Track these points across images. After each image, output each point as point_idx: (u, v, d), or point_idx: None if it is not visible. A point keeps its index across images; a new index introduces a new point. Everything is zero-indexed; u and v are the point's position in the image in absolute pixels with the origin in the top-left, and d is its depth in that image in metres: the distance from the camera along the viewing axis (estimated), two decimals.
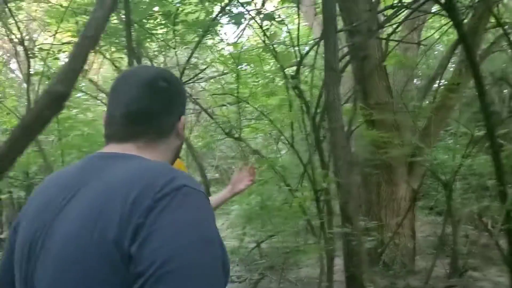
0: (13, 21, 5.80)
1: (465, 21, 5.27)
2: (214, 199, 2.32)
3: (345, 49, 5.15)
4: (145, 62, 6.69)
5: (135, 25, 5.45)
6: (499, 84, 6.09)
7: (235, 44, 6.28)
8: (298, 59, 5.03)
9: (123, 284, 0.91)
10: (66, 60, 3.38)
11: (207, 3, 5.56)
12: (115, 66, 7.54)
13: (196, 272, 0.89)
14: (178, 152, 1.29)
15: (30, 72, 6.04)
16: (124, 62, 7.09)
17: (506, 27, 5.25)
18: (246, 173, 2.24)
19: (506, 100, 6.63)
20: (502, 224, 4.01)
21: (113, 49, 6.61)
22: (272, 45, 5.33)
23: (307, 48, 5.69)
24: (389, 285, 5.43)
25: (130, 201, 0.94)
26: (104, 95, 8.13)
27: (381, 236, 5.54)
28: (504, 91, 6.85)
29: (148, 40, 6.31)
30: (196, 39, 5.99)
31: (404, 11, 5.04)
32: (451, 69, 6.30)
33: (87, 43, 3.05)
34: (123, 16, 5.02)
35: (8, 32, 6.06)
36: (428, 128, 5.63)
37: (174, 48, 6.22)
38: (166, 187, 0.97)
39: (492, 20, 5.25)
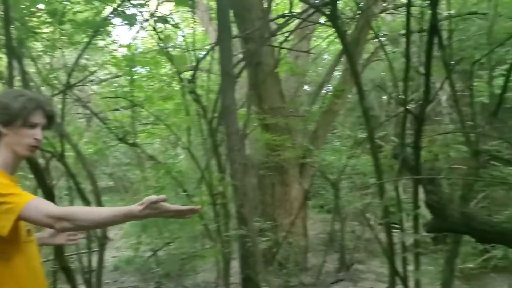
0: None
1: (348, 32, 5.69)
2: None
3: (241, 55, 5.27)
4: (27, 62, 6.22)
5: (16, 22, 5.05)
6: (378, 90, 6.65)
7: (128, 46, 6.10)
8: (194, 63, 5.04)
9: None
10: None
11: (97, 3, 5.33)
12: None
13: None
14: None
15: None
16: (3, 62, 6.52)
17: (382, 39, 5.76)
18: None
19: (384, 105, 7.25)
20: (381, 219, 4.37)
21: None
22: (167, 48, 5.28)
23: (203, 53, 5.72)
24: (283, 283, 5.63)
25: None
26: None
27: (275, 236, 5.73)
28: (383, 97, 7.49)
29: (32, 39, 5.88)
30: (86, 39, 5.71)
31: (294, 20, 5.29)
32: (337, 76, 6.74)
33: None
34: (1, 12, 4.63)
35: None
36: (317, 131, 5.96)
37: (61, 49, 5.87)
38: None
39: (372, 32, 5.72)
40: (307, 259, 6.35)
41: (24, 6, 5.01)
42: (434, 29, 3.27)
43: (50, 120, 1.75)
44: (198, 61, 5.05)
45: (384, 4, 5.76)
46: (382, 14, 5.95)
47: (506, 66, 4.32)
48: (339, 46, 6.80)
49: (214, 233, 5.09)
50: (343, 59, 6.37)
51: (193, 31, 5.25)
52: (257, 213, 6.05)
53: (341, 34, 3.98)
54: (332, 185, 5.80)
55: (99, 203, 5.57)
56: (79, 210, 1.63)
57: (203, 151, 5.57)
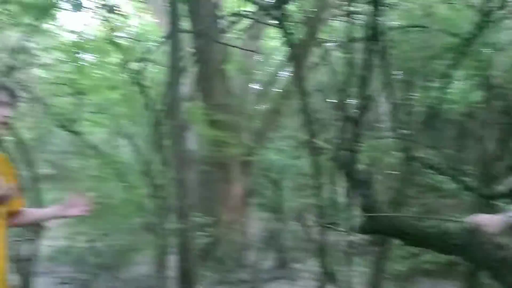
0: None
1: (297, 35, 5.80)
2: (38, 212, 2.19)
3: (190, 50, 5.27)
4: None
5: None
6: (323, 94, 6.83)
7: (76, 32, 5.94)
8: (143, 54, 4.99)
9: None
10: None
11: None
12: None
13: None
14: None
15: None
16: None
17: (329, 44, 5.94)
18: (83, 201, 2.10)
19: (328, 109, 7.41)
20: (317, 219, 4.51)
21: None
22: (116, 37, 5.19)
23: (154, 45, 5.67)
24: (220, 279, 5.68)
25: None
26: None
27: (215, 232, 5.77)
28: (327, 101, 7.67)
29: None
30: (32, 22, 5.51)
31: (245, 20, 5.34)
32: (285, 77, 6.86)
33: None
34: None
35: None
36: (262, 130, 6.05)
37: (5, 30, 5.64)
38: None
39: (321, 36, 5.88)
40: (245, 256, 6.43)
41: None
42: (374, 38, 3.43)
43: (14, 99, 1.88)
44: (147, 52, 5.00)
45: (333, 11, 5.91)
46: (331, 20, 6.12)
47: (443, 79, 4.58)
48: (287, 48, 6.92)
49: (153, 226, 5.07)
50: (290, 61, 6.48)
51: (144, 22, 5.19)
52: (198, 208, 6.06)
53: (288, 37, 4.08)
54: (273, 184, 5.91)
55: (38, 191, 5.43)
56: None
57: (147, 143, 5.51)
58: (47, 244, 7.18)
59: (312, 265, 6.41)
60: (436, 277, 5.80)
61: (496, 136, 5.20)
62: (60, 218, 2.14)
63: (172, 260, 4.76)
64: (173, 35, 3.88)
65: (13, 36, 6.82)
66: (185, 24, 4.96)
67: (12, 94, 1.86)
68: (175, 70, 3.93)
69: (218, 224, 5.98)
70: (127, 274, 6.05)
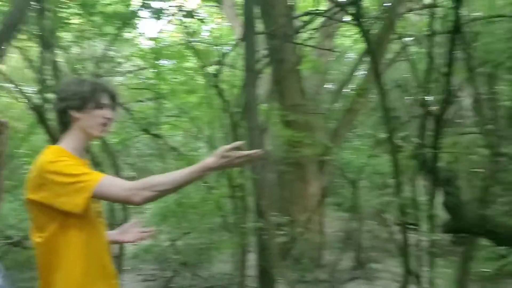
0: None
1: (373, 31, 5.68)
2: None
3: (265, 52, 5.32)
4: (58, 52, 6.41)
5: (48, 13, 5.23)
6: (401, 90, 6.63)
7: (155, 39, 6.23)
8: (219, 58, 5.12)
9: None
10: None
11: None
12: (24, 55, 7.11)
13: None
14: None
15: None
16: (33, 52, 6.72)
17: (407, 39, 5.75)
18: (140, 229, 2.10)
19: (406, 106, 7.19)
20: (397, 218, 4.39)
21: (23, 36, 6.25)
22: (193, 42, 5.37)
23: (228, 48, 5.80)
24: (298, 278, 5.69)
25: None
26: (12, 85, 7.63)
27: (292, 231, 5.79)
28: (406, 97, 7.45)
29: (62, 29, 6.05)
30: (114, 31, 5.86)
31: (319, 18, 5.32)
32: (361, 75, 6.73)
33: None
34: (36, 3, 4.79)
35: None
36: (338, 129, 5.98)
37: (90, 39, 6.03)
38: None
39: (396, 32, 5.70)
40: (322, 255, 6.39)
41: None
42: (456, 30, 3.29)
43: (114, 101, 1.87)
44: (223, 56, 5.13)
45: (410, 4, 5.73)
46: (408, 14, 5.93)
47: None
48: (363, 45, 6.80)
49: (232, 225, 5.19)
50: (366, 58, 6.36)
51: (219, 26, 5.33)
52: (275, 208, 6.11)
53: (365, 33, 4.01)
54: (350, 184, 5.82)
55: None
56: (155, 177, 1.70)
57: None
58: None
59: (391, 265, 6.25)
60: None
61: None
62: (116, 243, 2.13)
63: (251, 259, 4.84)
64: (248, 37, 3.94)
65: (98, 45, 7.28)
66: (259, 25, 5.03)
67: (113, 97, 1.85)
68: (251, 72, 4.00)
69: (295, 224, 6.00)
70: (207, 272, 6.24)
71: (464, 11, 3.56)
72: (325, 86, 7.25)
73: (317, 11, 4.91)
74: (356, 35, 6.72)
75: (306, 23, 5.07)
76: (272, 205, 5.45)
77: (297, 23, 5.51)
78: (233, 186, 4.84)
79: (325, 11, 5.04)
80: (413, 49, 5.66)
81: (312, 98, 6.20)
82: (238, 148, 1.59)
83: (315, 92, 6.48)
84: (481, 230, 3.15)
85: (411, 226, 4.27)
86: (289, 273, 5.59)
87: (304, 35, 5.97)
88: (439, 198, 4.25)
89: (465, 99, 6.05)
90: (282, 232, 5.07)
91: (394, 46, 6.40)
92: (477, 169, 5.42)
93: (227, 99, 5.02)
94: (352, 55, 8.28)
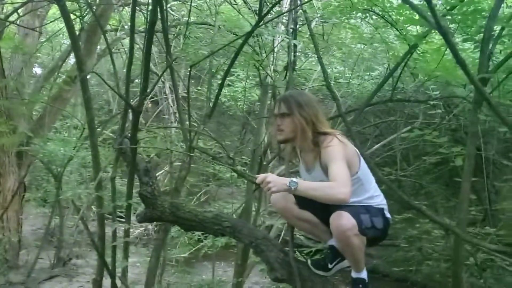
0: None
1: (86, 19, 5.50)
2: None
3: None
4: None
5: None
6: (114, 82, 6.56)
7: None
8: None
9: None
10: None
11: None
12: None
13: None
14: None
15: None
16: None
17: (121, 33, 5.78)
18: None
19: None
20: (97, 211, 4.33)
21: None
22: None
23: None
24: None
25: None
26: None
27: None
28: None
29: None
30: None
31: None
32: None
33: None
34: None
35: None
36: (43, 118, 5.55)
37: None
38: None
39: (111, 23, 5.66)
40: (19, 256, 5.80)
41: None
42: (152, 26, 3.41)
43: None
44: None
45: None
46: (122, 8, 5.93)
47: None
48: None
49: None
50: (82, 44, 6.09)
51: None
52: None
53: (65, 16, 3.80)
54: (54, 177, 5.47)
55: None
56: None
57: None
58: None
59: (95, 259, 6.16)
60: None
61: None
62: None
63: None
64: None
65: None
66: None
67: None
68: None
69: None
70: None
71: (163, 10, 3.73)
72: (31, 69, 6.62)
73: None
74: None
75: None
76: None
77: None
78: None
79: None
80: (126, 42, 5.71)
81: (14, 81, 5.54)
82: None
83: (17, 75, 5.82)
84: (171, 216, 3.35)
85: (111, 217, 4.26)
86: None
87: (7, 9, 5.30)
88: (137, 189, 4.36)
89: (171, 96, 6.45)
90: None
91: (109, 38, 6.33)
92: (179, 160, 5.84)
93: None
94: (64, 40, 7.75)
